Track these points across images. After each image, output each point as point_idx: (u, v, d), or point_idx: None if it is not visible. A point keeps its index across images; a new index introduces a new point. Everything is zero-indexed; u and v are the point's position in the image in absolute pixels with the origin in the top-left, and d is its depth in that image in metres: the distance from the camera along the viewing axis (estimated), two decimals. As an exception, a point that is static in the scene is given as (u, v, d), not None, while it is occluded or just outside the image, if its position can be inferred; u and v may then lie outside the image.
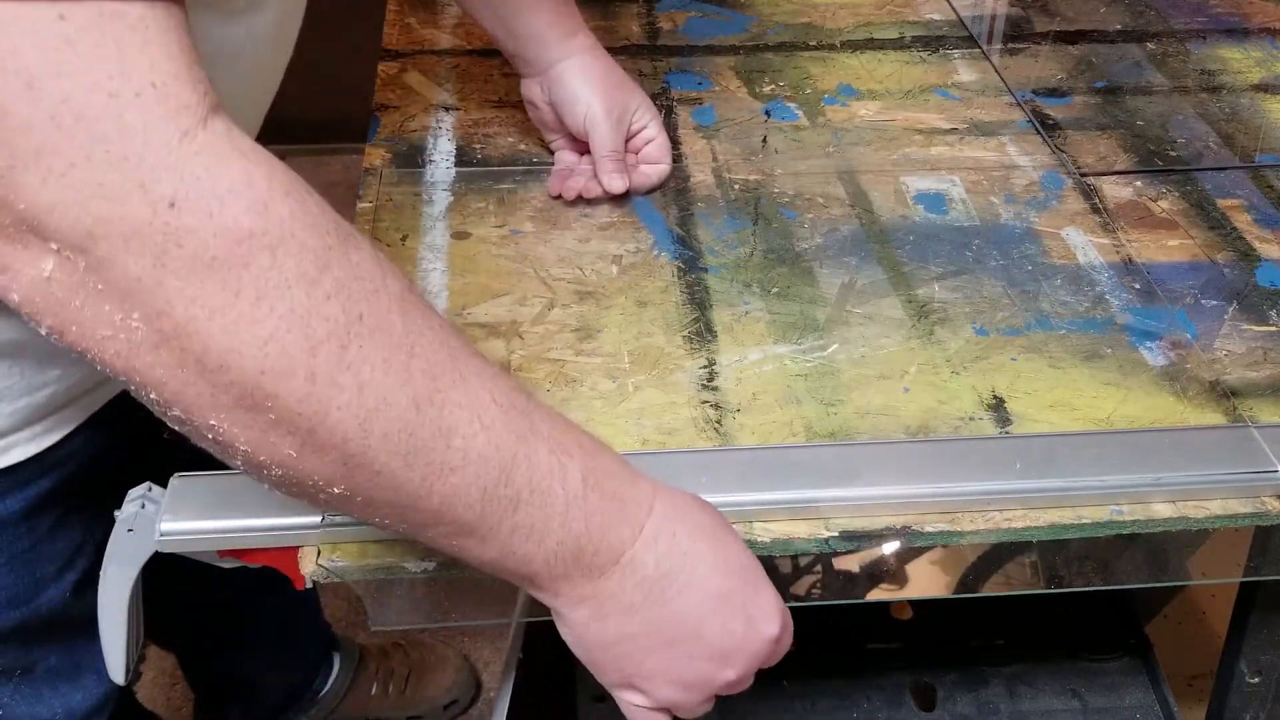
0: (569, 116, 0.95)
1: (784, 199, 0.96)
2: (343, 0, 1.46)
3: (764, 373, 0.79)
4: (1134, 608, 1.04)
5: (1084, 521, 0.69)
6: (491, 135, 1.04)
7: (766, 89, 1.11)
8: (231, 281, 0.48)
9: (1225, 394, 0.78)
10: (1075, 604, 1.02)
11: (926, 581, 0.81)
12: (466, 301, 0.85)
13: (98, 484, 0.78)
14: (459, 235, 0.91)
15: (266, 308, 0.48)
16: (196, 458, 0.58)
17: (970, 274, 0.88)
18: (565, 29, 0.94)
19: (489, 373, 0.56)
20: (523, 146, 1.02)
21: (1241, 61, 1.17)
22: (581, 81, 0.94)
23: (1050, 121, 1.07)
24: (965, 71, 1.14)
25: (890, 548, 0.70)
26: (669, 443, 0.74)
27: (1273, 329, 0.84)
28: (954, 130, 1.05)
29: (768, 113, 1.07)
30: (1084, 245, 0.91)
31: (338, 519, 0.65)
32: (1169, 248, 0.92)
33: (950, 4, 1.26)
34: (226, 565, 0.68)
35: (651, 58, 1.16)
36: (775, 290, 0.86)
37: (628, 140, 0.96)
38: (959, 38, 1.20)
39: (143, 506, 0.67)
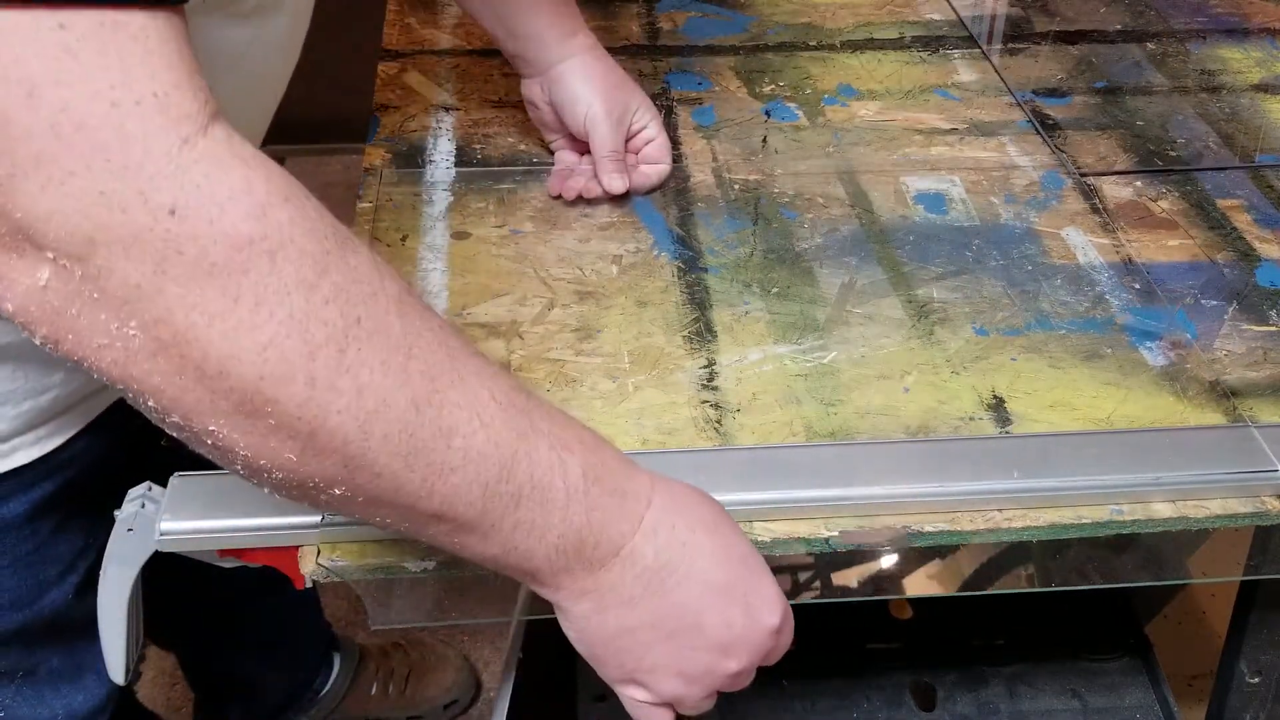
0: (569, 117, 0.95)
1: (784, 199, 0.96)
2: (343, 0, 1.46)
3: (764, 373, 0.79)
4: (1134, 608, 1.04)
5: (1084, 521, 0.69)
6: (491, 135, 1.04)
7: (766, 89, 1.11)
8: (231, 288, 0.48)
9: (1225, 394, 0.78)
10: (1075, 604, 1.02)
11: (926, 580, 0.81)
12: (466, 301, 0.85)
13: (100, 488, 0.78)
14: (459, 235, 0.91)
15: (266, 313, 0.48)
16: (197, 462, 0.58)
17: (970, 274, 0.88)
18: (565, 29, 0.94)
19: (489, 371, 0.56)
20: (523, 146, 1.02)
21: (1241, 61, 1.17)
22: (582, 82, 0.94)
23: (1050, 121, 1.07)
24: (965, 71, 1.14)
25: (890, 548, 0.70)
26: (669, 443, 0.74)
27: (1273, 329, 0.84)
28: (954, 130, 1.05)
29: (768, 113, 1.07)
30: (1084, 245, 0.91)
31: (337, 518, 0.65)
32: (1169, 248, 0.92)
33: (950, 4, 1.26)
34: (226, 565, 0.68)
35: (651, 58, 1.16)
36: (775, 290, 0.86)
37: (628, 140, 0.96)
38: (959, 38, 1.20)
39: (143, 506, 0.67)
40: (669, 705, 0.64)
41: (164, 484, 0.67)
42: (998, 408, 0.77)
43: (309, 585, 0.67)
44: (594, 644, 0.62)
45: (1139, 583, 0.78)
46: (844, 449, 0.73)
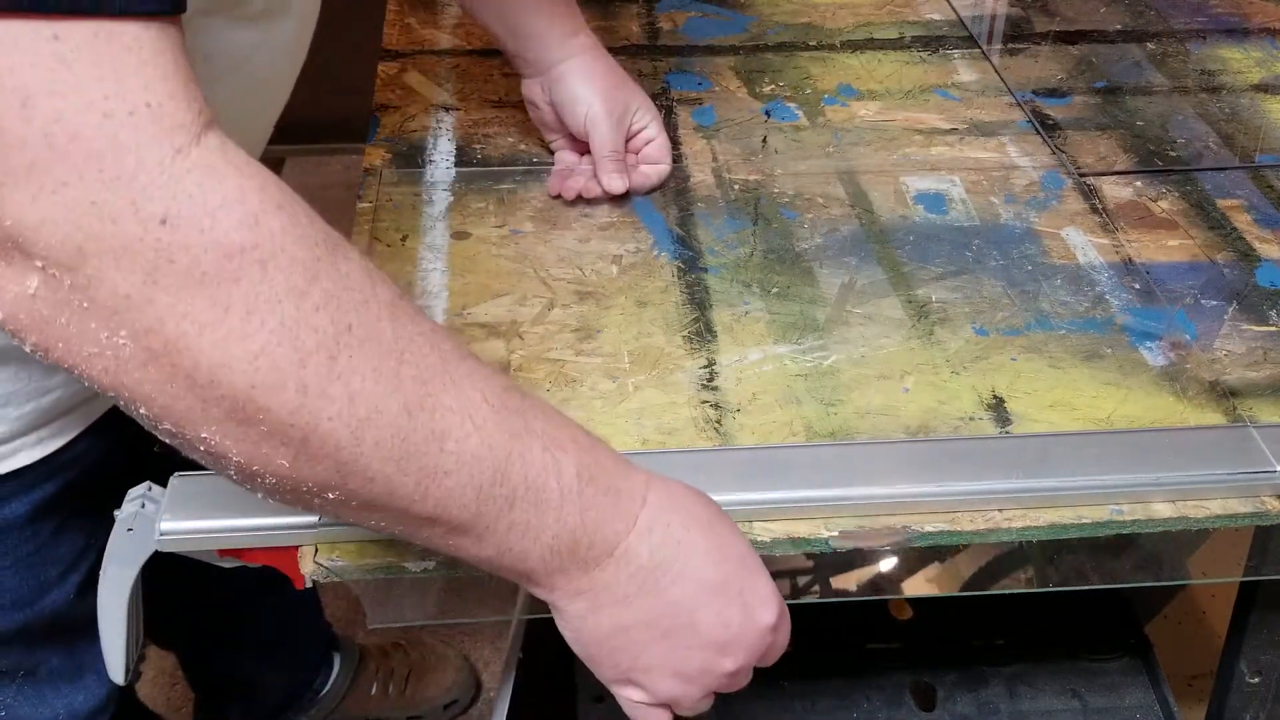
0: (569, 116, 0.95)
1: (784, 199, 0.96)
2: (343, 0, 1.46)
3: (764, 373, 0.79)
4: (1134, 608, 1.04)
5: (1084, 521, 0.69)
6: (491, 135, 1.04)
7: (766, 89, 1.11)
8: (222, 297, 0.48)
9: (1225, 394, 0.78)
10: (1075, 604, 1.02)
11: (926, 580, 0.81)
12: (466, 301, 0.85)
13: (101, 488, 0.78)
14: (459, 235, 0.91)
15: (257, 321, 0.48)
16: (195, 463, 0.58)
17: (970, 274, 0.88)
18: (566, 29, 0.94)
19: (482, 374, 0.56)
20: (523, 146, 1.02)
21: (1241, 61, 1.17)
22: (582, 82, 0.94)
23: (1050, 121, 1.07)
24: (965, 71, 1.14)
25: (890, 548, 0.70)
26: (669, 443, 0.74)
27: (1273, 329, 0.84)
28: (954, 130, 1.05)
29: (768, 113, 1.07)
30: (1084, 245, 0.91)
31: (338, 519, 0.65)
32: (1169, 248, 0.92)
33: (950, 4, 1.26)
34: (226, 565, 0.68)
35: (651, 58, 1.16)
36: (775, 290, 0.86)
37: (628, 140, 0.96)
38: (959, 38, 1.20)
39: (142, 506, 0.67)
40: (666, 706, 0.64)
41: (164, 484, 0.67)
42: (998, 408, 0.77)
43: (309, 585, 0.67)
44: (589, 644, 0.62)
45: (1139, 583, 0.78)
46: (844, 449, 0.73)
